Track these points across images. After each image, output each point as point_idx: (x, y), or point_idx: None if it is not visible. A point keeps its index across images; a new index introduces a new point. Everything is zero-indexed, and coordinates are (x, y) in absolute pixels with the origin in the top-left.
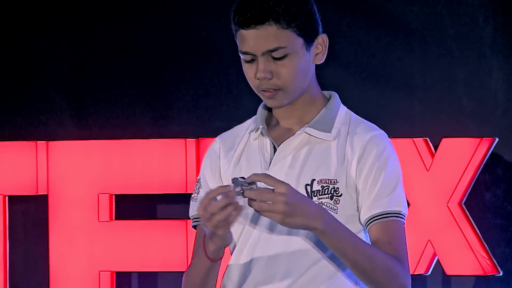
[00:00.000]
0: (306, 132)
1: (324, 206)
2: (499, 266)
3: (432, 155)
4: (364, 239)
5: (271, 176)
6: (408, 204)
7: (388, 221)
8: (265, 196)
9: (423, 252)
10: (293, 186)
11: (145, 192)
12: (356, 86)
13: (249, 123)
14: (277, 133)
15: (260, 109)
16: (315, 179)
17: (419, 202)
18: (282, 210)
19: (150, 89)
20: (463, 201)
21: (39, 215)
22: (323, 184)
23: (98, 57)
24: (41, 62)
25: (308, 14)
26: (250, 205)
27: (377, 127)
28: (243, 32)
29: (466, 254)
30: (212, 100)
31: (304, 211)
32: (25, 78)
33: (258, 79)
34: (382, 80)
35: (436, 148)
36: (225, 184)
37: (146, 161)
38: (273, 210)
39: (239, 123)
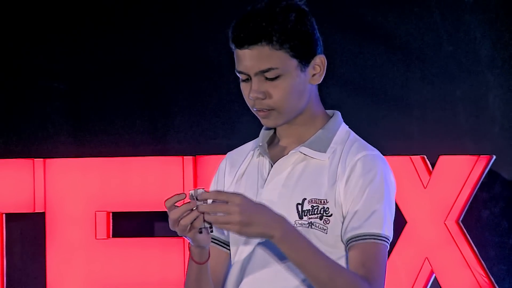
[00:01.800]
0: (300, 152)
1: (314, 226)
2: (496, 283)
3: (430, 173)
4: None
5: (221, 191)
6: (405, 222)
7: (365, 243)
8: (219, 208)
9: (420, 269)
10: (285, 205)
11: (143, 209)
12: (353, 103)
13: (255, 141)
14: (276, 151)
15: (264, 128)
16: (306, 199)
17: (416, 220)
18: (237, 220)
19: (148, 107)
20: (461, 219)
21: (36, 232)
22: (313, 204)
23: (96, 75)
24: (38, 80)
25: (304, 35)
26: (205, 219)
27: (372, 147)
28: (238, 51)
29: (464, 272)
30: (209, 118)
31: (260, 220)
32: (22, 95)
33: (251, 99)
34: (380, 98)
35: (433, 165)
36: None
37: (144, 179)
38: (229, 221)
39: (237, 142)
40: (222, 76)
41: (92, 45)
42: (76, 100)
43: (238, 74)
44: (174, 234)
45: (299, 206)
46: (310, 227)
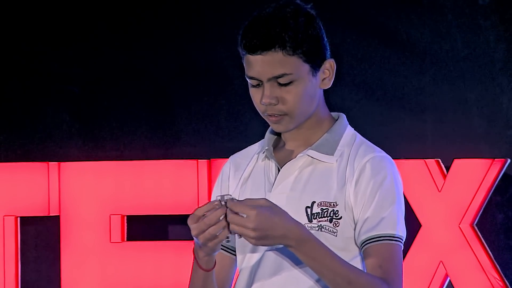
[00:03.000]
0: (308, 155)
1: (323, 229)
2: (511, 287)
3: (444, 176)
4: (362, 262)
5: (237, 203)
6: (420, 225)
7: (381, 244)
8: (237, 221)
9: (435, 273)
10: (294, 208)
11: (157, 213)
12: (368, 107)
13: (260, 144)
14: (282, 155)
15: (268, 131)
16: (315, 202)
17: (431, 223)
18: (251, 235)
19: (162, 110)
20: (475, 222)
21: (51, 236)
22: (322, 207)
23: (110, 79)
24: (52, 84)
25: (315, 40)
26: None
27: (379, 149)
28: (250, 57)
29: (478, 275)
30: (224, 121)
31: (273, 233)
32: (37, 99)
33: (263, 104)
34: (394, 101)
35: (448, 169)
36: None
37: (158, 182)
38: (245, 234)
39: (250, 144)
40: (234, 79)
41: (106, 49)
42: (91, 104)
43: (248, 80)
44: (188, 238)
45: (308, 209)
46: (320, 230)
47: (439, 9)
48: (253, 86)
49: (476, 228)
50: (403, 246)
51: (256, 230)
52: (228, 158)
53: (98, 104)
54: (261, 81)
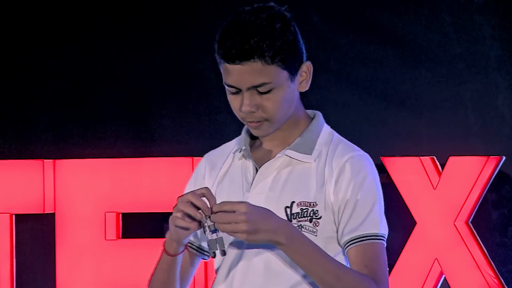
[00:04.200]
0: (286, 155)
1: (303, 229)
2: (506, 284)
3: (439, 174)
4: (344, 261)
5: (227, 202)
6: (415, 223)
7: (365, 244)
8: (226, 218)
9: (430, 270)
10: (273, 208)
11: (152, 210)
12: (363, 104)
13: (235, 142)
14: (259, 154)
15: (245, 130)
16: (294, 202)
17: (426, 221)
18: (244, 229)
19: (157, 107)
20: (470, 220)
21: (46, 233)
22: (302, 207)
23: (106, 76)
24: (47, 81)
25: (292, 45)
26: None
27: (357, 147)
28: (228, 66)
29: (473, 273)
30: (219, 118)
31: (266, 227)
32: (32, 97)
33: (243, 112)
34: (389, 99)
35: (443, 166)
36: None
37: (153, 180)
38: (236, 230)
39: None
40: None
41: (101, 46)
42: (86, 102)
43: (226, 87)
44: None
45: (288, 209)
46: (300, 229)
47: (435, 7)
48: (232, 93)
49: (471, 225)
50: (385, 244)
51: (248, 221)
52: None
53: (93, 101)
54: (239, 89)
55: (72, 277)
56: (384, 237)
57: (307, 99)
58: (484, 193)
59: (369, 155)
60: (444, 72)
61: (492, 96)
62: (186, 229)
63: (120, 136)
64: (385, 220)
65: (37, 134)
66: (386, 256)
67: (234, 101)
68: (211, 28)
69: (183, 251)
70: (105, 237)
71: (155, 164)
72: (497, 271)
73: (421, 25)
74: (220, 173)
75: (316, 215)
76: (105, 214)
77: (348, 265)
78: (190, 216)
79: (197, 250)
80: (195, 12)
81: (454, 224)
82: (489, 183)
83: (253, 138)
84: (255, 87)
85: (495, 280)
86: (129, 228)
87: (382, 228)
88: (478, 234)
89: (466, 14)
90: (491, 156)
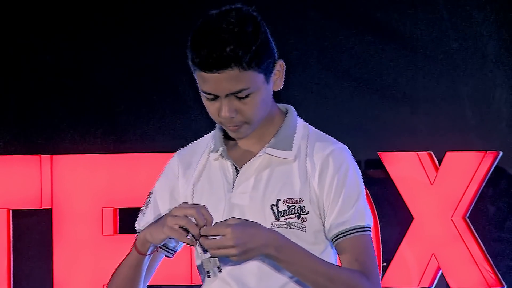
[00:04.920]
0: (266, 153)
1: (292, 226)
2: (503, 279)
3: (436, 169)
4: (332, 254)
5: (212, 227)
6: (412, 218)
7: (353, 237)
8: (215, 244)
9: (427, 265)
10: (258, 207)
11: None
12: (360, 100)
13: (208, 139)
14: (237, 154)
15: (218, 128)
16: (280, 199)
17: (423, 216)
18: (234, 253)
19: (154, 102)
20: (467, 215)
21: (43, 229)
22: (289, 204)
23: (103, 71)
24: (45, 76)
25: (265, 47)
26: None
27: (335, 140)
28: (204, 74)
29: (470, 268)
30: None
31: (254, 245)
32: (29, 92)
33: (222, 118)
34: (387, 94)
35: (440, 161)
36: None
37: (150, 175)
38: (226, 255)
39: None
40: None
41: (98, 41)
42: (83, 97)
43: (203, 93)
44: None
45: (274, 207)
46: (288, 227)
47: (432, 2)
48: (208, 99)
49: (468, 220)
50: (372, 233)
51: (236, 246)
52: None
53: (91, 97)
54: (217, 95)
55: (69, 272)
56: (370, 227)
57: (304, 96)
58: (481, 188)
59: (367, 151)
60: (441, 67)
61: (489, 91)
62: (178, 240)
63: (117, 131)
64: (369, 209)
65: (34, 129)
66: (373, 246)
67: (211, 107)
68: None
69: (153, 252)
70: (102, 232)
71: (152, 159)
72: (494, 266)
73: (418, 20)
74: (196, 173)
75: (303, 211)
76: (102, 210)
77: (336, 256)
78: (184, 229)
79: (162, 248)
80: (163, 13)
81: (451, 219)
82: (486, 178)
83: (227, 136)
84: (234, 93)
85: (492, 275)
86: (126, 224)
87: (367, 219)
88: (475, 229)
89: (463, 9)
90: (488, 152)
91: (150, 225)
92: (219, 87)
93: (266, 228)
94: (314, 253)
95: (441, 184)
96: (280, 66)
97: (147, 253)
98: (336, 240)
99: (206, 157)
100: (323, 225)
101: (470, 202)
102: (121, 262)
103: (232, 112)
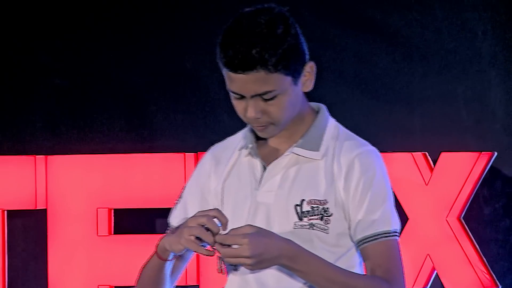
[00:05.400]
0: (293, 152)
1: (315, 228)
2: (498, 280)
3: (431, 169)
4: (356, 257)
5: (229, 236)
6: (407, 218)
7: (378, 242)
8: (231, 253)
9: (422, 266)
10: (283, 206)
11: (144, 206)
12: (355, 99)
13: (241, 136)
14: (266, 151)
15: (249, 127)
16: (304, 200)
17: (418, 216)
18: (249, 263)
19: (149, 104)
20: (462, 215)
21: (38, 229)
22: (313, 205)
23: (97, 72)
24: (40, 77)
25: (294, 49)
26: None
27: (366, 142)
28: (231, 74)
29: (465, 269)
30: (211, 114)
31: (269, 256)
32: (24, 92)
33: (248, 118)
34: (381, 94)
35: (435, 162)
36: (211, 199)
37: (145, 175)
38: (242, 263)
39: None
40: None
41: (92, 42)
42: (78, 97)
43: (230, 92)
44: None
45: (298, 207)
46: (311, 228)
47: (427, 2)
48: (236, 98)
49: (463, 221)
50: (399, 237)
51: (252, 257)
52: None
53: (86, 97)
54: (244, 96)
55: (64, 273)
56: (396, 232)
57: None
58: (476, 189)
59: None
60: (436, 68)
61: (484, 92)
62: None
63: (112, 132)
64: (396, 214)
65: (29, 130)
66: (399, 251)
67: (238, 106)
68: (209, 26)
69: (174, 258)
70: (97, 233)
71: (147, 160)
72: (489, 267)
73: (413, 21)
74: (226, 169)
75: (327, 212)
76: (97, 210)
77: (361, 261)
78: (199, 238)
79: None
80: (192, 9)
81: (446, 220)
82: (481, 179)
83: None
84: (259, 95)
85: (487, 276)
86: (121, 224)
87: (394, 223)
88: (470, 230)
89: (458, 9)
90: (483, 152)
91: (169, 234)
92: (245, 88)
93: (281, 237)
94: (336, 255)
95: (436, 185)
96: (310, 68)
97: (168, 259)
98: (361, 245)
99: (237, 153)
100: (348, 228)
101: (465, 202)
102: (147, 262)
103: (258, 113)
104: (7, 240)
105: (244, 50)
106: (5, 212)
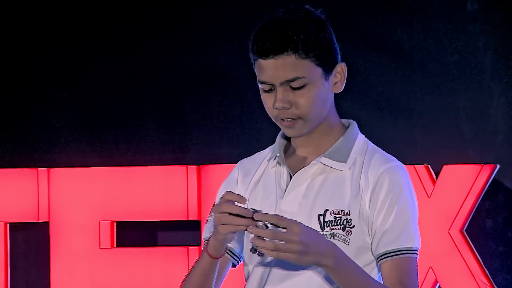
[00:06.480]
0: (321, 162)
1: (336, 237)
2: None
3: (434, 182)
4: (375, 271)
5: (282, 217)
6: None
7: (400, 258)
8: (279, 236)
9: (424, 279)
10: (306, 216)
11: (147, 219)
12: (357, 112)
13: (269, 150)
14: (293, 161)
15: (279, 137)
16: (328, 209)
17: (420, 229)
18: (296, 249)
19: (151, 117)
20: (464, 228)
21: (40, 242)
22: (336, 215)
23: (99, 84)
24: (42, 89)
25: (327, 43)
26: (259, 244)
27: (392, 157)
28: (262, 61)
29: (468, 281)
30: (213, 127)
31: (317, 249)
32: (26, 105)
33: (276, 108)
34: (384, 107)
35: (437, 175)
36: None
37: (148, 188)
38: (288, 250)
39: (241, 151)
40: (229, 85)
41: (94, 54)
42: (80, 110)
43: (260, 85)
44: (177, 244)
45: (321, 217)
46: (332, 238)
47: (428, 15)
48: (265, 91)
49: (465, 233)
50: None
51: (301, 243)
52: (218, 164)
53: (88, 110)
54: (273, 85)
55: (66, 286)
56: (417, 250)
57: None
58: (478, 202)
59: None
60: (438, 80)
61: (486, 104)
62: (233, 226)
63: (115, 144)
64: (419, 232)
65: (31, 143)
66: (417, 269)
67: (267, 100)
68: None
69: (223, 254)
70: (100, 246)
71: (149, 173)
72: (491, 279)
73: (414, 33)
74: (254, 179)
75: (350, 224)
76: (99, 223)
77: (379, 277)
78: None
79: (229, 254)
80: (227, 13)
81: (449, 232)
82: (484, 192)
83: (287, 144)
84: (289, 81)
85: None
86: (123, 237)
87: (416, 242)
88: (472, 242)
89: (460, 22)
90: (485, 165)
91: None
92: (275, 74)
93: (327, 239)
94: None
95: (438, 197)
96: (341, 69)
97: (219, 256)
98: (381, 260)
99: (265, 165)
100: (371, 243)
101: (467, 215)
102: (191, 270)
103: (286, 103)
104: (10, 253)
105: (276, 35)
106: (8, 224)
